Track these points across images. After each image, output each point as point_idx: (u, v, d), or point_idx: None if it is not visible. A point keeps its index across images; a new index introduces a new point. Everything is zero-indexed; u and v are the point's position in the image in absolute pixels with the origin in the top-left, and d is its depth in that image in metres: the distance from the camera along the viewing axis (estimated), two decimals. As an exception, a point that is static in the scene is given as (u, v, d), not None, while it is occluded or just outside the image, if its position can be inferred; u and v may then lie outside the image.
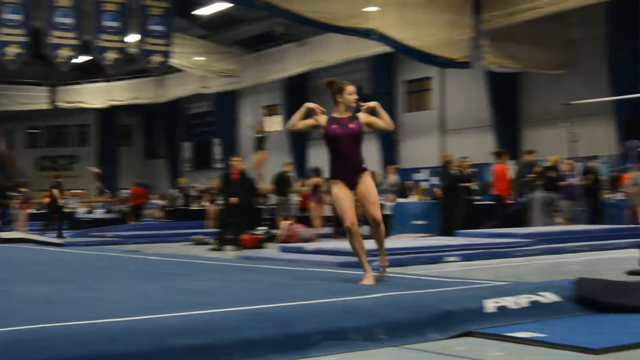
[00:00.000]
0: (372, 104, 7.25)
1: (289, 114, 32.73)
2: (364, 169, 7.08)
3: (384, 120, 7.28)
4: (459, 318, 5.23)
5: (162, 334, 4.54)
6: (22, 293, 7.04)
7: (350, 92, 7.21)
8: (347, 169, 7.02)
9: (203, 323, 4.82)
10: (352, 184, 7.00)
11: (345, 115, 7.20)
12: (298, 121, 7.23)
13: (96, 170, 34.19)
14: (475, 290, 6.15)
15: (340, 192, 6.97)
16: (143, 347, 4.34)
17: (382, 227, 7.12)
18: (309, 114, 7.22)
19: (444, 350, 4.63)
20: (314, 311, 5.22)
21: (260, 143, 17.72)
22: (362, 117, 7.19)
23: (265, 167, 20.05)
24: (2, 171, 34.79)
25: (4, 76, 33.09)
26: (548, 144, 22.76)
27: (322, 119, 7.16)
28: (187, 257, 11.82)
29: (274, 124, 34.02)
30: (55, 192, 21.92)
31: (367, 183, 6.99)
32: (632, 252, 10.19)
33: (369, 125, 7.19)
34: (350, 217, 6.89)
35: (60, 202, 22.08)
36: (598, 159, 22.24)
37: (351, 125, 7.08)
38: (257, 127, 18.51)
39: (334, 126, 7.09)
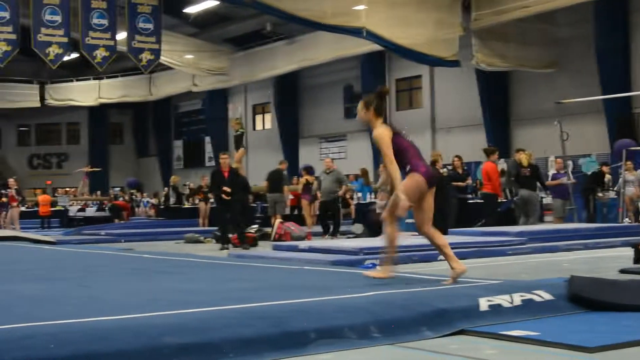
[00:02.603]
0: None
1: (279, 112, 32.87)
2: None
3: None
4: (453, 316, 5.22)
5: (155, 332, 4.51)
6: (13, 291, 7.01)
7: None
8: None
9: (196, 321, 4.79)
10: None
11: None
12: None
13: (86, 169, 34.18)
14: (469, 288, 6.14)
15: None
16: (136, 345, 4.31)
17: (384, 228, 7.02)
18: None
19: (439, 348, 4.62)
20: (308, 309, 5.20)
21: (238, 140, 17.67)
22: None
23: (244, 164, 20.01)
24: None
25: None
26: (539, 142, 22.82)
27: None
28: (179, 255, 11.80)
29: (265, 121, 34.03)
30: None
31: None
32: (626, 251, 10.21)
33: None
34: None
35: None
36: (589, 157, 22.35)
37: None
38: (236, 124, 18.45)
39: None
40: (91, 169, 35.89)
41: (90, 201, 30.11)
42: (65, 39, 23.87)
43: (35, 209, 28.33)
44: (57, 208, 29.03)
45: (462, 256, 11.36)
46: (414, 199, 6.63)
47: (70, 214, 28.25)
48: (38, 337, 4.29)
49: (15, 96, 36.94)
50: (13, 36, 23.09)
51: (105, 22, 24.48)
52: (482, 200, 17.40)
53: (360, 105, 6.94)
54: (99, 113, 39.43)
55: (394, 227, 6.87)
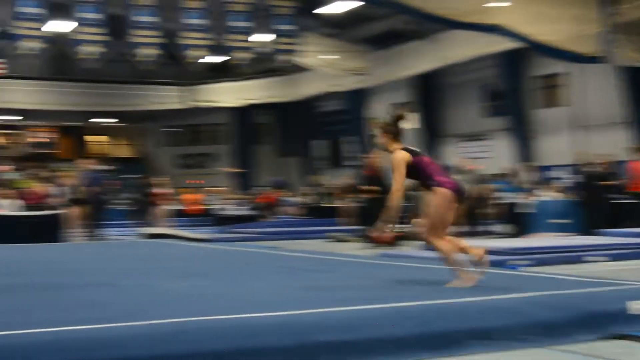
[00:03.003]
0: None
1: (419, 112, 32.71)
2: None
3: None
4: (603, 319, 5.12)
5: (305, 329, 4.60)
6: (166, 288, 7.26)
7: None
8: None
9: (345, 319, 4.86)
10: None
11: None
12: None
13: (232, 170, 34.92)
14: (619, 291, 6.00)
15: None
16: (286, 342, 4.42)
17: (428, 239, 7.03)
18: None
19: (591, 351, 4.55)
20: (457, 310, 5.19)
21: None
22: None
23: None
24: (143, 169, 35.97)
25: (140, 76, 34.24)
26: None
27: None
28: (325, 254, 11.91)
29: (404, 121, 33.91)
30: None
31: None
32: None
33: None
34: None
35: None
36: None
37: None
38: (375, 124, 18.42)
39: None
40: (236, 170, 36.68)
41: (237, 200, 30.75)
42: (207, 42, 24.51)
43: (184, 207, 29.24)
44: (207, 207, 29.87)
45: (616, 257, 11.04)
46: (445, 212, 6.75)
47: (218, 212, 28.93)
48: (192, 332, 4.47)
49: (161, 98, 38.18)
50: (158, 40, 23.86)
51: (246, 24, 25.00)
52: (634, 200, 16.78)
53: (378, 130, 7.10)
54: (243, 114, 40.23)
55: (441, 241, 6.88)
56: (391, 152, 6.91)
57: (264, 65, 32.17)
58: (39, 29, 22.02)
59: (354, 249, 14.45)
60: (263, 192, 29.73)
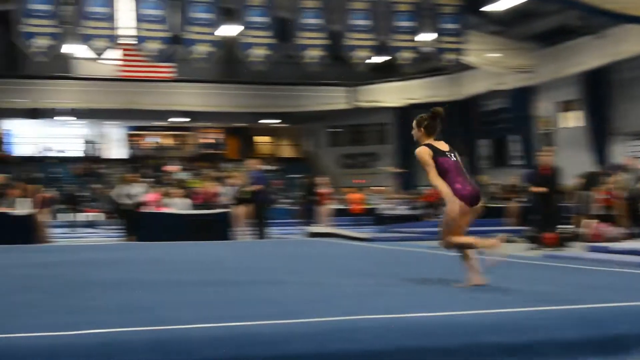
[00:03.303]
0: None
1: (588, 109, 31.79)
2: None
3: None
4: None
5: (475, 330, 4.59)
6: (333, 286, 7.39)
7: None
8: None
9: (515, 321, 4.81)
10: None
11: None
12: None
13: (394, 169, 34.99)
14: None
15: None
16: (456, 343, 4.42)
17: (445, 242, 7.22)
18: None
19: None
20: (628, 313, 5.05)
21: (548, 139, 17.21)
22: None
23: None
24: (307, 169, 36.63)
25: (306, 78, 34.82)
26: None
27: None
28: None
29: (572, 119, 32.99)
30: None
31: None
32: None
33: None
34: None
35: None
36: None
37: None
38: (545, 122, 18.00)
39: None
40: (398, 169, 36.75)
41: (399, 199, 30.80)
42: (372, 42, 24.66)
43: (347, 207, 29.57)
44: (369, 206, 30.09)
45: None
46: (458, 220, 6.93)
47: (382, 212, 29.08)
48: (363, 330, 4.53)
49: (326, 99, 38.78)
50: (324, 42, 24.20)
51: (410, 24, 24.99)
52: None
53: (414, 123, 7.27)
54: (405, 113, 40.19)
55: (463, 239, 7.08)
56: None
57: (427, 65, 32.06)
58: (210, 34, 22.79)
59: (519, 250, 14.20)
60: (425, 191, 29.62)
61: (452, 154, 7.17)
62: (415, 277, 8.23)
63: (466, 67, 32.04)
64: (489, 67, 31.26)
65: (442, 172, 6.99)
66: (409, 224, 22.46)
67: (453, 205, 6.85)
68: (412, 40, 25.26)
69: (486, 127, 39.26)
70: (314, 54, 24.27)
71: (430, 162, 6.99)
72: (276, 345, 4.29)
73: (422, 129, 7.21)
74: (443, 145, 7.21)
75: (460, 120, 39.95)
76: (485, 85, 33.87)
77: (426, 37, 25.61)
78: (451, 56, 26.14)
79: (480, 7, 27.79)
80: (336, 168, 42.46)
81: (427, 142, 7.16)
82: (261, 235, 18.10)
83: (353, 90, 38.58)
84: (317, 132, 44.30)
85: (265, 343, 4.30)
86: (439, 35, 25.48)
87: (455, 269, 9.38)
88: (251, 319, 4.94)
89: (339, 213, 26.69)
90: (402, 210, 28.96)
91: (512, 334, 4.54)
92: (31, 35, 20.82)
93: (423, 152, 7.06)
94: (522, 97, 34.46)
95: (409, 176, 37.99)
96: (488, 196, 27.06)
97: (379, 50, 25.48)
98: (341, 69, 33.13)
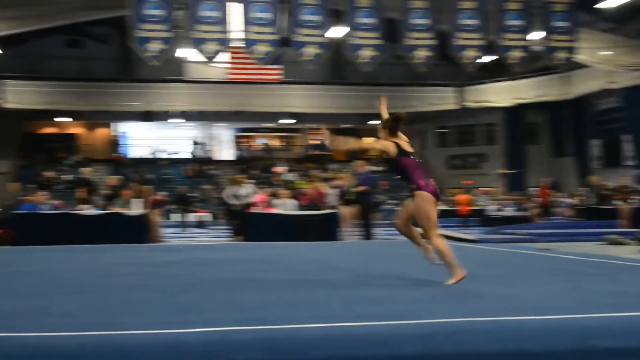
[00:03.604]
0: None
1: None
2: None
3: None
4: None
5: (584, 334, 4.54)
6: (439, 287, 7.37)
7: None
8: None
9: (627, 325, 4.73)
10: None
11: None
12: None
13: (504, 171, 34.57)
14: None
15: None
16: (564, 346, 4.38)
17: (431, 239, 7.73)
18: None
19: None
20: None
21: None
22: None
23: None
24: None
25: (415, 78, 34.75)
26: None
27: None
28: (601, 257, 11.54)
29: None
30: None
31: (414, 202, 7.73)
32: None
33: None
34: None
35: None
36: None
37: None
38: None
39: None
40: (508, 171, 36.28)
41: (507, 201, 30.43)
42: (480, 42, 24.42)
43: (455, 208, 29.39)
44: (476, 207, 29.83)
45: None
46: (433, 212, 7.60)
47: (489, 213, 28.81)
48: (470, 332, 4.53)
49: (434, 99, 38.62)
50: (432, 42, 24.09)
51: (520, 22, 24.64)
52: None
53: (379, 125, 8.00)
54: (515, 114, 39.68)
55: (442, 241, 7.70)
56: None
57: (537, 64, 31.55)
58: (319, 36, 22.97)
59: (632, 253, 13.86)
60: (535, 192, 29.18)
61: (415, 156, 7.83)
62: (524, 279, 8.15)
63: (577, 66, 31.35)
64: (601, 65, 30.50)
65: (408, 170, 7.70)
66: (518, 226, 22.16)
67: (425, 196, 7.56)
68: (522, 39, 24.89)
69: (598, 127, 38.37)
70: (422, 55, 24.18)
71: (380, 145, 7.77)
72: (390, 346, 4.33)
73: (386, 129, 7.89)
74: (408, 147, 7.81)
75: (571, 120, 39.20)
76: (597, 84, 33.10)
77: (536, 35, 25.21)
78: (562, 55, 25.62)
79: (592, 4, 27.16)
80: (444, 169, 42.20)
81: (394, 140, 7.78)
82: (368, 237, 18.15)
83: (461, 91, 38.30)
84: (424, 132, 44.10)
85: (379, 344, 4.35)
86: (550, 33, 25.02)
87: (569, 270, 9.25)
88: (360, 320, 5.00)
89: (446, 214, 26.53)
90: (510, 211, 28.62)
91: (623, 339, 4.47)
92: (146, 40, 21.41)
93: (388, 143, 7.72)
94: (635, 95, 33.49)
95: (518, 177, 37.48)
96: (599, 198, 26.50)
97: (487, 49, 25.21)
98: (449, 69, 32.93)
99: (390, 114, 8.15)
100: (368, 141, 8.15)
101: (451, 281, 7.51)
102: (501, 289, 7.20)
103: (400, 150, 7.71)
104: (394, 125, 7.91)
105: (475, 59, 24.92)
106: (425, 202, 7.58)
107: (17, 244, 16.03)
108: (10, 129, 37.91)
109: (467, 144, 43.62)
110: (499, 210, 29.19)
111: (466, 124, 43.21)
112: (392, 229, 21.63)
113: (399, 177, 7.90)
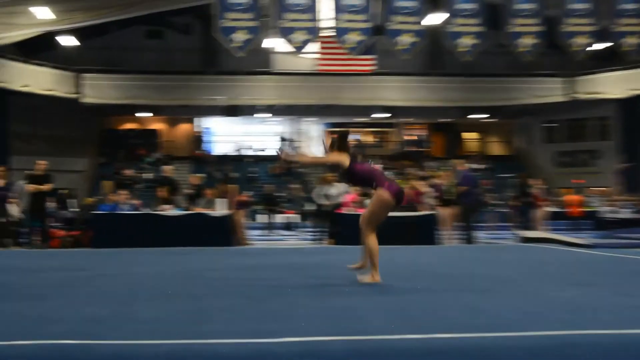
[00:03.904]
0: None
1: None
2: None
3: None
4: None
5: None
6: (549, 296, 7.24)
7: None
8: None
9: None
10: None
11: None
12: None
13: (623, 166, 33.79)
14: None
15: None
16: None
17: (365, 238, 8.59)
18: None
19: None
20: None
21: None
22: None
23: None
24: (519, 168, 36.03)
25: (519, 69, 34.28)
26: None
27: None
28: None
29: None
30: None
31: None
32: None
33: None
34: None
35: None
36: None
37: None
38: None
39: None
40: (626, 166, 35.46)
41: (623, 202, 29.75)
42: (592, 28, 23.99)
43: (564, 209, 28.86)
44: (589, 209, 29.24)
45: None
46: (385, 212, 8.53)
47: (603, 215, 28.21)
48: (578, 346, 4.43)
49: (540, 91, 37.97)
50: (539, 28, 23.75)
51: (636, 6, 24.31)
52: None
53: (328, 144, 8.68)
54: (631, 106, 38.77)
55: (374, 238, 8.57)
56: None
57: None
58: (415, 23, 22.88)
59: None
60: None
61: (371, 163, 8.66)
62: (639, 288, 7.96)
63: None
64: None
65: (368, 175, 8.51)
66: (636, 229, 21.62)
67: (384, 196, 8.30)
68: (638, 25, 24.36)
69: None
70: (527, 42, 23.91)
71: (333, 159, 8.49)
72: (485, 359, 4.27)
73: (334, 148, 8.57)
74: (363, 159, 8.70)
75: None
76: None
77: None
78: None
79: None
80: (552, 167, 41.57)
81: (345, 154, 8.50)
82: (469, 240, 17.98)
83: (571, 81, 37.58)
84: (530, 127, 43.52)
85: (472, 357, 4.28)
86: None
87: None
88: (459, 330, 4.94)
89: (555, 216, 26.11)
90: (627, 213, 27.95)
91: None
92: (230, 29, 21.68)
93: (341, 156, 8.44)
94: None
95: (635, 176, 36.60)
96: None
97: (600, 36, 24.76)
98: (558, 57, 32.41)
99: (336, 132, 9.01)
100: (323, 157, 8.81)
101: (366, 279, 8.32)
102: (615, 299, 7.04)
103: (353, 159, 8.45)
104: (342, 142, 8.56)
105: (586, 47, 24.52)
106: (381, 201, 8.39)
107: (94, 246, 16.38)
108: (89, 125, 38.83)
109: (578, 140, 42.83)
110: (614, 212, 28.55)
111: (576, 118, 42.44)
112: (497, 232, 21.37)
113: (360, 186, 8.99)
